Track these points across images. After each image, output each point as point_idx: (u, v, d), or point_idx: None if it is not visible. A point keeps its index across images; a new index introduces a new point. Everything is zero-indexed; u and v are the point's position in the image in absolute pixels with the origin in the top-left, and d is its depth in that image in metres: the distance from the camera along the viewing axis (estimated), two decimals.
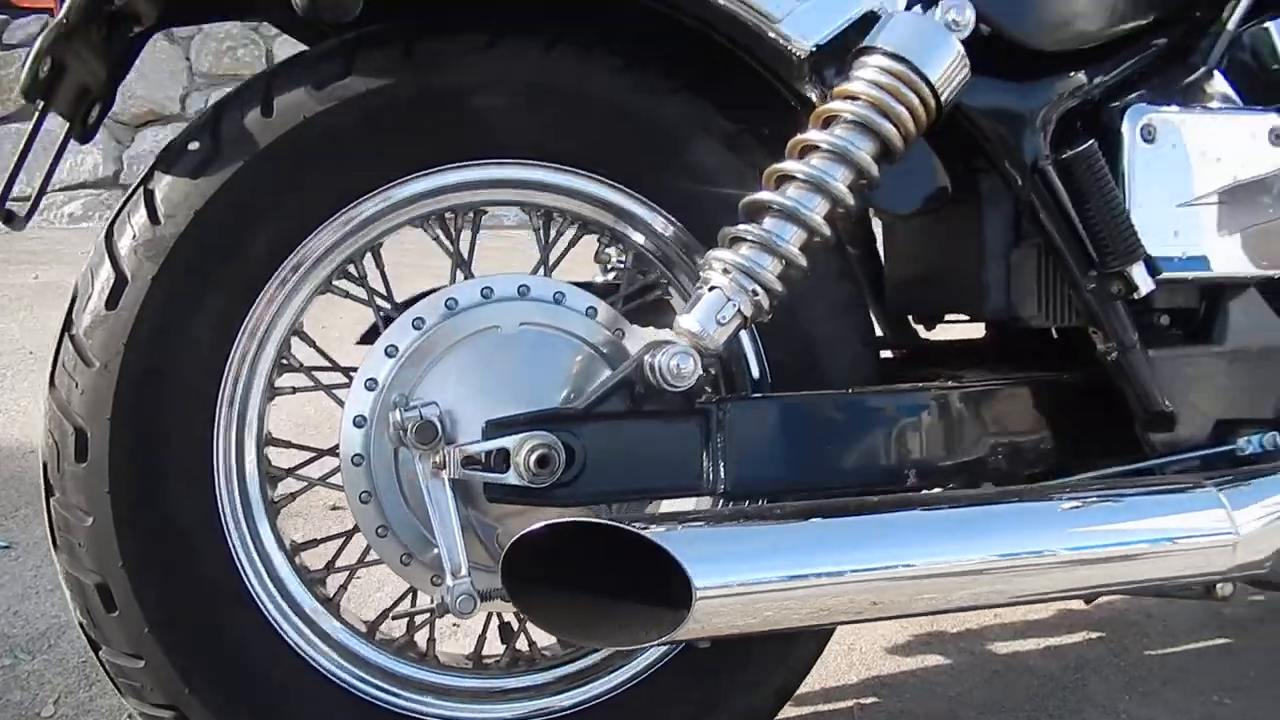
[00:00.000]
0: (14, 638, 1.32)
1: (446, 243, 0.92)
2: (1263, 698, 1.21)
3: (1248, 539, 0.81)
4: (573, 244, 0.98)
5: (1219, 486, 0.84)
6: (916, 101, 0.80)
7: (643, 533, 0.70)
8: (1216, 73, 1.04)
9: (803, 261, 0.80)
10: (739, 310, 0.78)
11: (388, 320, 0.88)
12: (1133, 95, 0.96)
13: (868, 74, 0.80)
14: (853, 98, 0.80)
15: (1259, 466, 0.89)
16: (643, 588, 0.72)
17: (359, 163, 0.84)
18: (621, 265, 1.12)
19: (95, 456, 0.77)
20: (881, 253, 1.16)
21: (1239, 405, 0.97)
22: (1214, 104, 1.00)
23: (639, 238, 0.92)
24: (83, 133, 0.89)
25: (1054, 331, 1.04)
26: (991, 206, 0.95)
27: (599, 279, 1.10)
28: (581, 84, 0.86)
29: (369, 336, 0.98)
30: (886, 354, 1.15)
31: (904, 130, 0.80)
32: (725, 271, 0.78)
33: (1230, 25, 1.06)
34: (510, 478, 0.78)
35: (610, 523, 0.71)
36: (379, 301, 0.93)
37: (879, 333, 1.12)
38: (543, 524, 0.70)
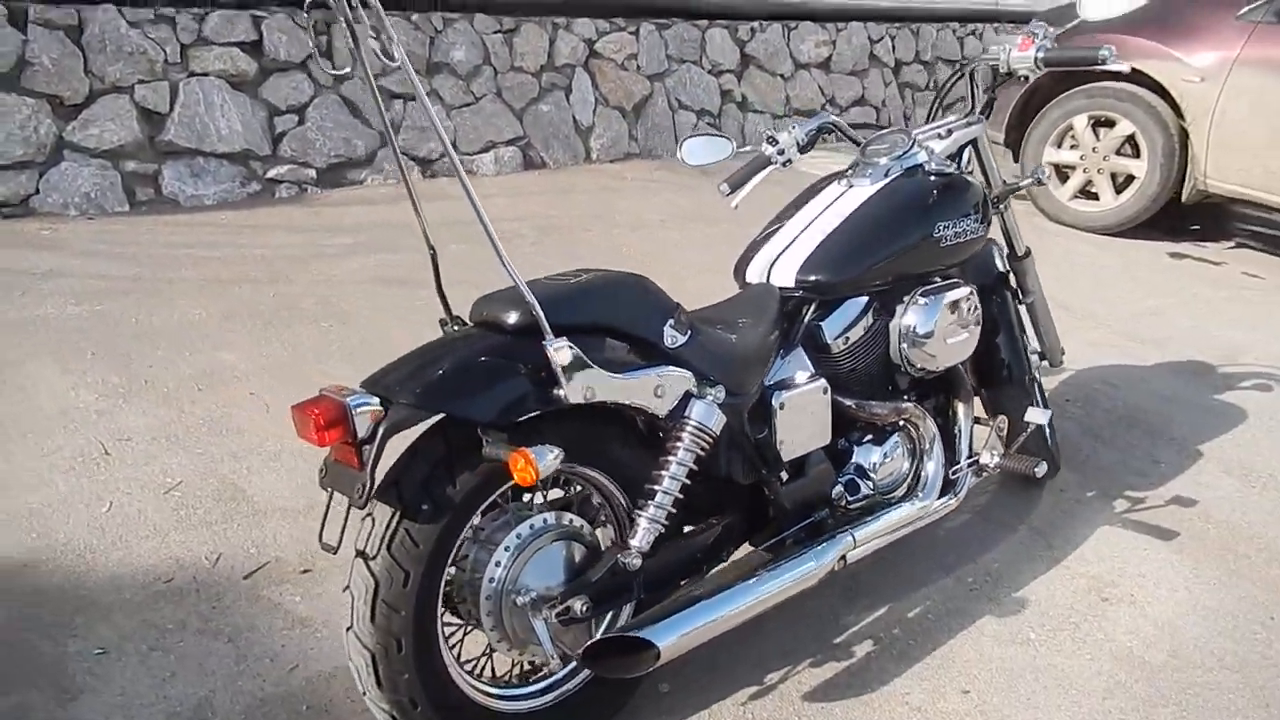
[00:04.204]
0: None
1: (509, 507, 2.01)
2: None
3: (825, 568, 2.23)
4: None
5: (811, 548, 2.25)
6: (707, 439, 2.04)
7: (631, 634, 1.91)
8: (800, 348, 2.39)
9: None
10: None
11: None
12: (774, 383, 2.28)
13: (688, 429, 2.02)
14: (681, 441, 2.02)
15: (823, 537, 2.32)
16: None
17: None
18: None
19: (407, 651, 1.81)
20: None
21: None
22: (800, 378, 2.33)
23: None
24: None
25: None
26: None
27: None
28: (588, 442, 1.98)
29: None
30: None
31: (703, 453, 2.05)
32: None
33: (806, 318, 2.42)
34: (570, 617, 1.95)
35: (620, 634, 1.92)
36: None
37: None
38: (598, 639, 1.90)
